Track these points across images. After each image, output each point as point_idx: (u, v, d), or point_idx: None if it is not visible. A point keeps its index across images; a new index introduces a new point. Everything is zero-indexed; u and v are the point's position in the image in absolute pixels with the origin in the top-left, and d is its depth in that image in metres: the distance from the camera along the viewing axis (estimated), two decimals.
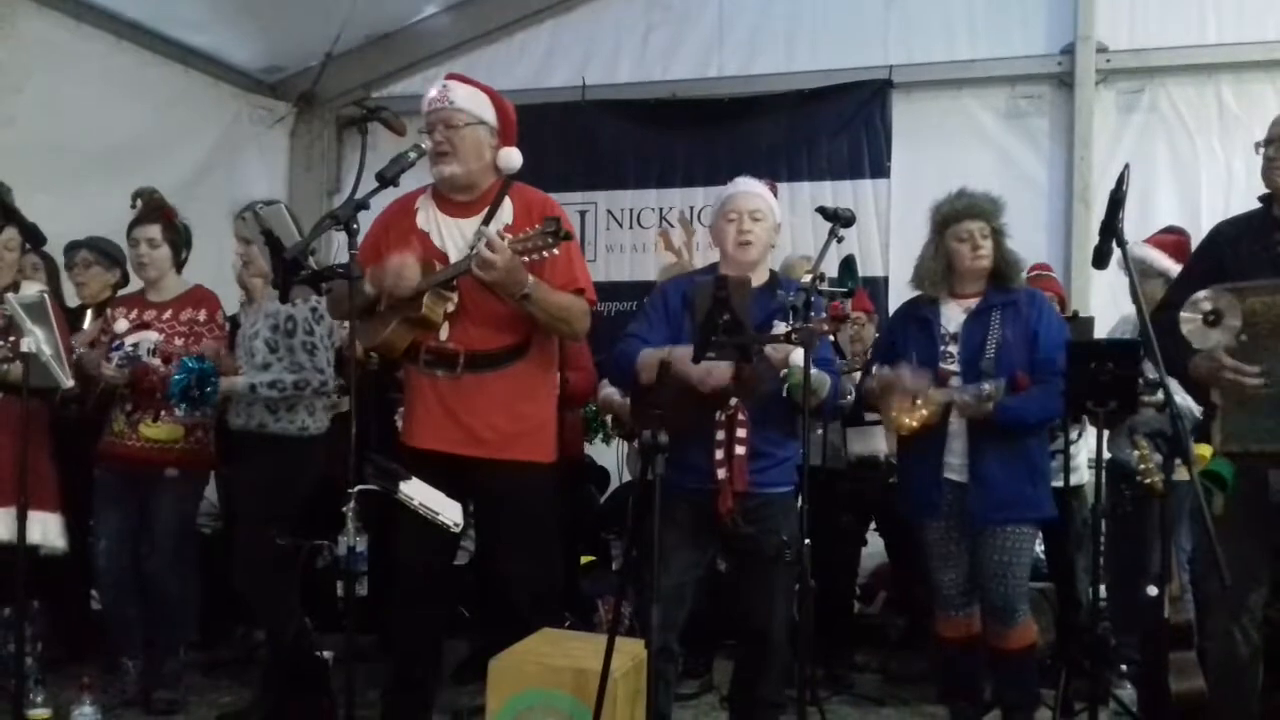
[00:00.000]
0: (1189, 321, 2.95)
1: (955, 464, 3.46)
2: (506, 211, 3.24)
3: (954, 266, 3.53)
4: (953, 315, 3.54)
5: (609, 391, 4.48)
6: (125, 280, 4.49)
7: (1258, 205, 3.21)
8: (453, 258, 3.19)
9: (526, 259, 3.01)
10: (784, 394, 3.14)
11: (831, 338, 3.57)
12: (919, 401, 3.38)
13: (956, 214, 3.52)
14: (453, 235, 3.24)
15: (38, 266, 4.53)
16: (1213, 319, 2.95)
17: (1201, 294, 2.97)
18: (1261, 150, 3.16)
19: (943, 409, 3.40)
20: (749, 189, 3.39)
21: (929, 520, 3.53)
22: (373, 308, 3.19)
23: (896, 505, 3.88)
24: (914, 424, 3.39)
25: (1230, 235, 3.22)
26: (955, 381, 3.45)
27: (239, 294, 4.16)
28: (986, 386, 3.32)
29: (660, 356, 3.18)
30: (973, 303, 3.53)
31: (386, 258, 3.13)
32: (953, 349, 3.49)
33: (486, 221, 3.21)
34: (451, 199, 3.29)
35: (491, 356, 3.20)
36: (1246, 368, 2.91)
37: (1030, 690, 3.62)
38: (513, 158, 3.29)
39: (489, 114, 3.29)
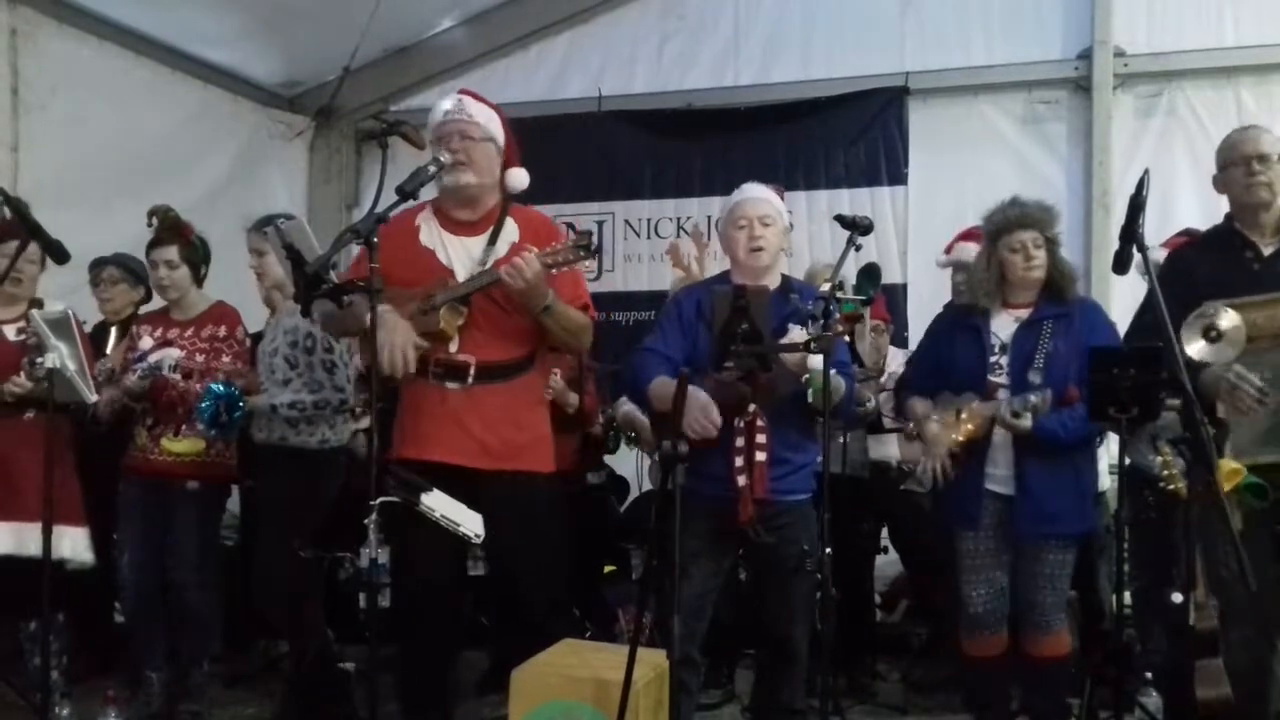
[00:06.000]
0: (1191, 339, 2.95)
1: (999, 475, 3.43)
2: (511, 230, 3.29)
3: (1006, 277, 3.48)
4: (1004, 325, 3.49)
5: (629, 408, 4.49)
6: (149, 297, 4.52)
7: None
8: (459, 274, 3.22)
9: (555, 271, 3.06)
10: (808, 399, 3.14)
11: (848, 339, 3.57)
12: (963, 416, 3.36)
13: (1009, 224, 3.46)
14: (458, 253, 3.27)
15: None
16: (1215, 335, 2.96)
17: (1201, 310, 2.99)
18: (1229, 170, 3.23)
19: (988, 423, 3.37)
20: (757, 194, 3.39)
21: (966, 531, 3.49)
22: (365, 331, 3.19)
23: (934, 516, 3.85)
24: (959, 439, 3.37)
25: (1196, 255, 3.30)
26: (1003, 394, 3.40)
27: (264, 308, 4.19)
28: (1032, 398, 3.27)
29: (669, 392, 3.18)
30: (1024, 313, 3.48)
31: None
32: (1003, 360, 3.45)
33: (493, 239, 3.26)
34: (453, 216, 3.31)
35: (501, 368, 3.23)
36: (1251, 378, 2.95)
37: (1060, 701, 3.59)
38: (521, 178, 3.34)
39: (499, 133, 3.34)
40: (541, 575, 3.28)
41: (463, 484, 3.10)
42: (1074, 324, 3.43)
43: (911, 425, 3.59)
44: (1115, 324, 3.61)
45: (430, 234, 3.30)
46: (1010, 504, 3.41)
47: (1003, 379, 3.43)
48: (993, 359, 3.46)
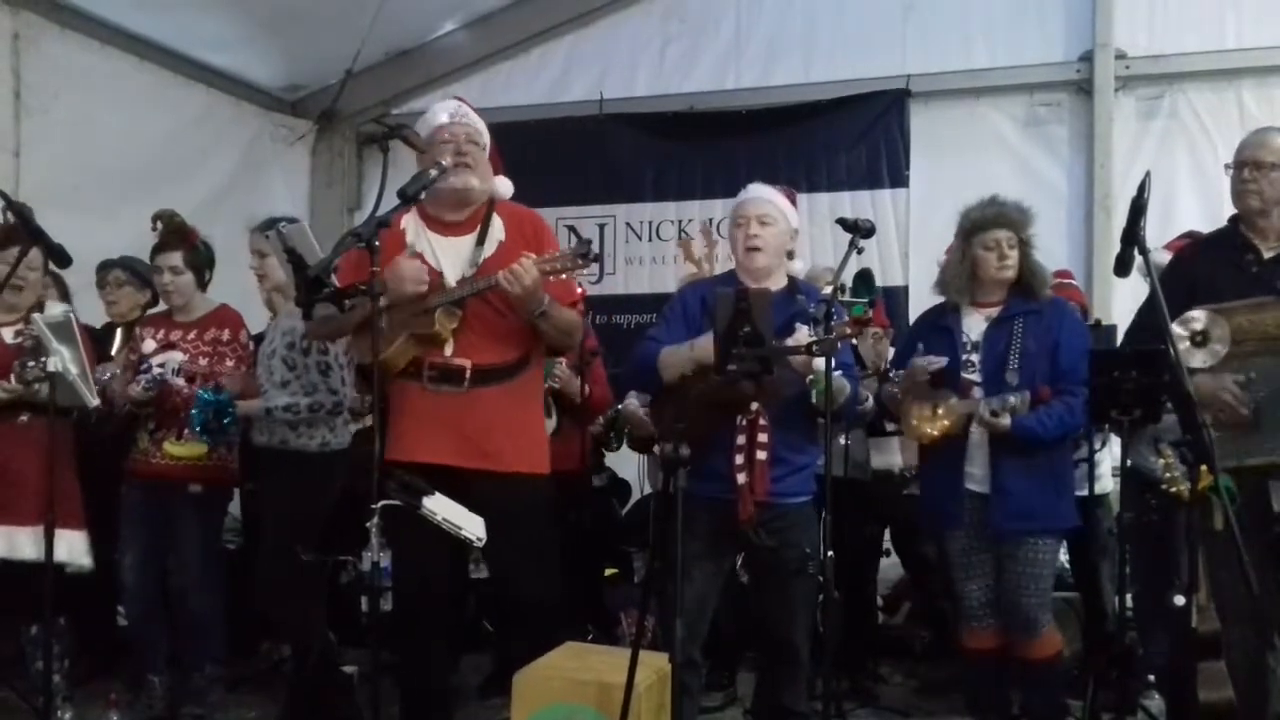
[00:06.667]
0: (1178, 341, 2.97)
1: (976, 474, 3.46)
2: (498, 228, 3.31)
3: (978, 275, 3.51)
4: (974, 324, 3.53)
5: (631, 404, 4.49)
6: (155, 300, 4.52)
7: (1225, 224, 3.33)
8: (448, 275, 3.22)
9: (552, 278, 3.06)
10: (812, 400, 3.14)
11: (854, 341, 3.58)
12: (940, 411, 3.38)
13: (985, 222, 3.50)
14: (446, 254, 3.27)
15: (47, 285, 4.58)
16: (1200, 339, 2.98)
17: (1189, 314, 3.02)
18: (1231, 171, 3.23)
19: (964, 419, 3.39)
20: (758, 194, 3.41)
21: (950, 530, 3.52)
22: (365, 324, 3.19)
23: (916, 516, 3.87)
24: (935, 433, 3.39)
25: (1200, 256, 3.33)
26: (977, 391, 3.43)
27: (266, 310, 4.20)
28: (1012, 399, 3.30)
29: (683, 354, 3.19)
30: (994, 311, 3.52)
31: (394, 263, 3.14)
32: (974, 358, 3.49)
33: (481, 239, 3.27)
34: (441, 218, 3.32)
35: (496, 371, 3.23)
36: (1243, 398, 3.00)
37: (1057, 701, 3.59)
38: (508, 186, 3.39)
39: (488, 143, 3.38)
40: (536, 578, 3.27)
41: (457, 486, 3.10)
42: (1044, 321, 3.46)
43: (897, 389, 3.59)
44: (1085, 324, 3.63)
45: (417, 236, 3.30)
46: (988, 502, 3.43)
47: (976, 376, 3.46)
48: (965, 357, 3.50)
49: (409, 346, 3.17)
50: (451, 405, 3.20)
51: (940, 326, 3.59)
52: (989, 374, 3.44)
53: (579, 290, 3.70)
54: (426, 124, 3.33)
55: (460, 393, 3.20)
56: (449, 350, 3.20)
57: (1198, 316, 3.03)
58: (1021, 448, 3.37)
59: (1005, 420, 3.32)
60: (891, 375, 3.62)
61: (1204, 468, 2.96)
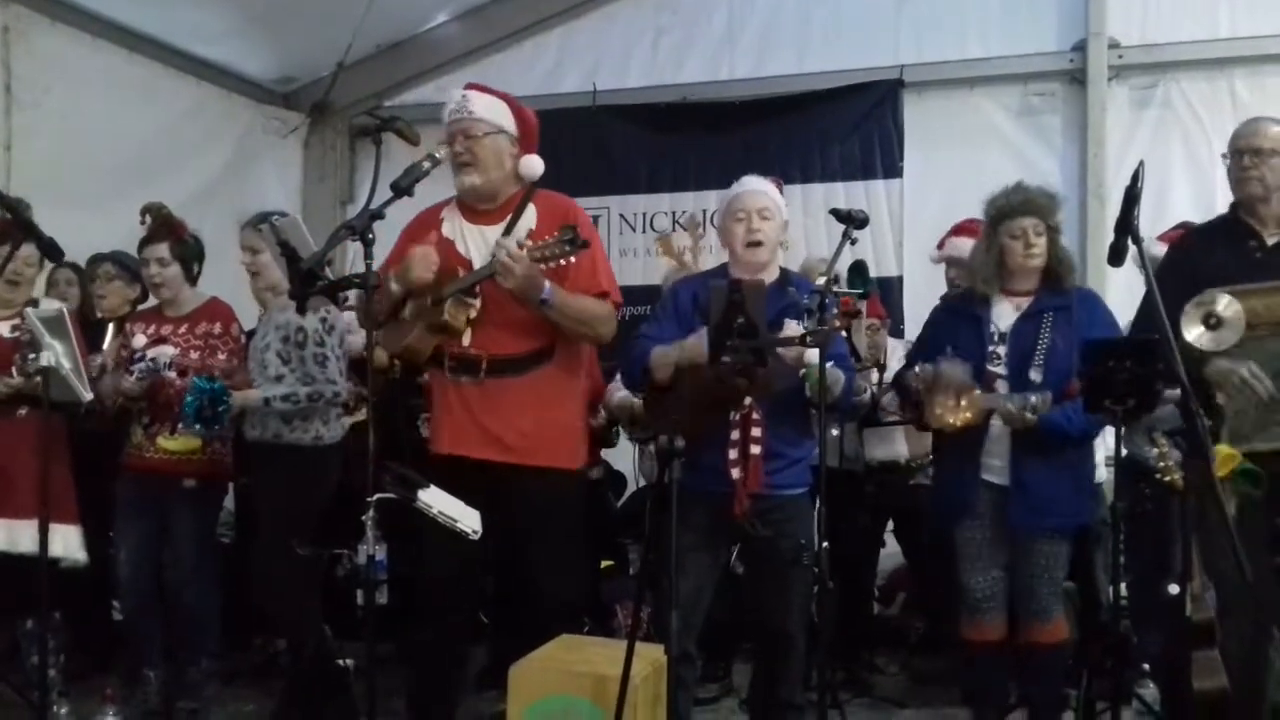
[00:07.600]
0: (1190, 325, 2.96)
1: (995, 466, 3.42)
2: (530, 217, 3.26)
3: (1006, 263, 3.47)
4: (1004, 314, 3.48)
5: (623, 395, 4.49)
6: (145, 295, 4.51)
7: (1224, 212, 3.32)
8: (477, 264, 3.22)
9: (545, 266, 3.03)
10: (805, 391, 3.14)
11: (845, 333, 3.57)
12: (964, 402, 3.35)
13: (1011, 209, 3.44)
14: (476, 242, 3.27)
15: (71, 282, 4.61)
16: (1214, 322, 2.97)
17: (1201, 298, 2.99)
18: (1229, 160, 3.22)
19: (985, 412, 3.36)
20: (755, 187, 3.40)
21: (963, 521, 3.49)
22: (397, 314, 3.21)
23: (930, 505, 3.85)
24: (956, 424, 3.36)
25: (1201, 245, 3.31)
26: (1001, 385, 3.39)
27: (257, 305, 4.18)
28: (1034, 399, 3.25)
29: (673, 355, 3.19)
30: (1025, 302, 3.46)
31: (409, 254, 3.18)
32: (1001, 350, 3.43)
33: (510, 228, 3.23)
34: (475, 207, 3.32)
35: (514, 361, 3.22)
36: (1265, 380, 2.99)
37: (1057, 691, 3.59)
38: (534, 165, 3.30)
39: (508, 122, 3.31)
40: (554, 574, 3.25)
41: (482, 478, 3.09)
42: (1073, 316, 3.41)
43: (919, 374, 3.52)
44: (1113, 314, 3.60)
45: (452, 225, 3.32)
46: (1006, 494, 3.41)
47: (1001, 369, 3.42)
48: (991, 348, 3.45)
49: (426, 336, 3.18)
50: (473, 396, 3.22)
51: (969, 314, 3.53)
52: (1014, 369, 3.40)
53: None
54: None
55: (478, 383, 3.20)
56: (466, 340, 3.20)
57: (1206, 300, 3.01)
58: (1045, 443, 3.33)
59: (1031, 418, 3.27)
60: (918, 367, 3.55)
61: (1230, 450, 2.95)
